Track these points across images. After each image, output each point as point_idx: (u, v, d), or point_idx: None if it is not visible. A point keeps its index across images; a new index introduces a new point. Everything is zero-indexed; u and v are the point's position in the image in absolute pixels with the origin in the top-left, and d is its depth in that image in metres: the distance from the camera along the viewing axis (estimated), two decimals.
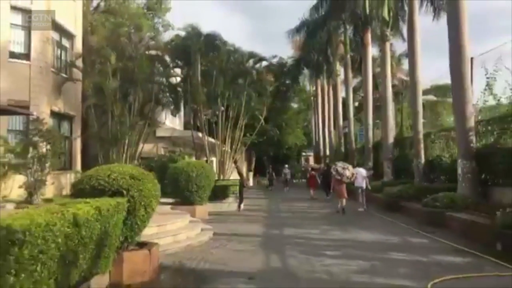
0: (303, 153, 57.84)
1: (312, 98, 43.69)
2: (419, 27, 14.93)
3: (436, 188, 12.24)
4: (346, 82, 26.28)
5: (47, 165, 13.12)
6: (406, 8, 16.89)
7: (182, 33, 22.21)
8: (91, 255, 4.58)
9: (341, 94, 28.95)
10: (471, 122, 11.05)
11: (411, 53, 15.48)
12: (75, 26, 17.88)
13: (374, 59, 23.67)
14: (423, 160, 14.54)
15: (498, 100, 11.04)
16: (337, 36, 25.29)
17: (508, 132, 10.32)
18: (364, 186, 14.51)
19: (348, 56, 25.08)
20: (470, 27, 11.18)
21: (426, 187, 13.01)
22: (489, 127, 11.23)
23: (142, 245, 6.23)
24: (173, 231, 8.52)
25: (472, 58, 12.51)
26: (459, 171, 11.12)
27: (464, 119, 11.01)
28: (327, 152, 34.61)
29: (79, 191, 5.63)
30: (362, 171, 14.85)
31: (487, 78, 11.30)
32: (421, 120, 14.93)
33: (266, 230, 10.65)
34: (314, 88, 40.61)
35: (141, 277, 5.74)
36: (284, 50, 78.05)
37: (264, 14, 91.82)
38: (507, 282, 5.67)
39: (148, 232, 6.95)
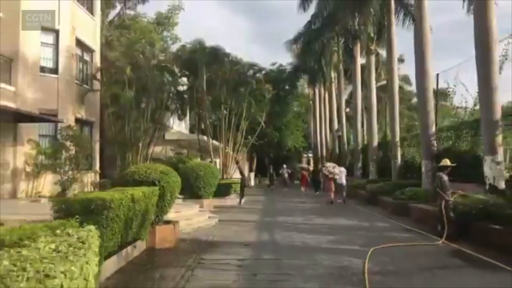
0: (304, 155, 60.00)
1: (310, 102, 45.92)
2: (396, 42, 17.16)
3: (407, 184, 14.45)
4: (339, 89, 28.53)
5: (77, 165, 15.48)
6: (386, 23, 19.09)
7: (188, 45, 24.71)
8: (138, 224, 6.87)
9: (336, 100, 31.16)
10: (432, 130, 13.30)
11: (389, 63, 17.73)
12: (94, 41, 20.20)
13: (364, 68, 25.88)
14: (399, 160, 16.76)
15: (455, 111, 13.26)
16: (330, 47, 27.50)
17: (460, 137, 12.54)
18: (344, 182, 16.90)
19: (341, 65, 27.33)
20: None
21: (400, 184, 15.22)
22: (448, 134, 13.46)
23: (167, 222, 8.52)
24: (187, 216, 10.79)
25: (438, 74, 14.74)
26: (423, 169, 13.36)
27: (426, 127, 13.28)
28: (324, 154, 36.81)
29: (125, 182, 7.89)
30: (344, 170, 17.24)
31: (448, 92, 13.53)
32: (397, 126, 17.18)
33: (261, 218, 12.94)
34: (312, 93, 42.83)
35: (168, 244, 8.01)
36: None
37: (268, 15, 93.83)
38: (428, 248, 7.95)
39: (169, 216, 9.21)
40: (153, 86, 20.66)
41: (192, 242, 8.56)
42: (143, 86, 20.35)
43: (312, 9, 24.76)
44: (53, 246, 3.41)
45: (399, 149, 16.79)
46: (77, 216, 4.51)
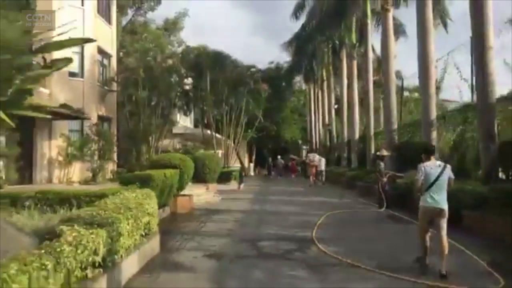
0: (304, 147, 63.26)
1: (306, 97, 49.05)
2: (370, 49, 20.23)
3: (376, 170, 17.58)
4: (328, 88, 31.60)
5: (104, 156, 18.65)
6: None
7: (193, 48, 27.86)
8: (167, 194, 10.04)
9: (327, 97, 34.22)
10: (394, 126, 16.41)
11: (365, 68, 20.80)
12: (111, 48, 23.24)
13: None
14: (373, 151, 19.88)
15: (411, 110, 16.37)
16: (321, 49, 30.46)
17: (415, 133, 15.65)
18: (324, 169, 20.22)
19: (331, 67, 30.38)
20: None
21: (372, 171, 18.34)
22: (407, 129, 16.58)
23: (184, 195, 11.71)
24: (197, 194, 13.95)
25: (402, 80, 17.81)
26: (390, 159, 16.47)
27: (389, 123, 16.40)
28: (318, 146, 39.99)
29: (155, 166, 11.04)
30: (323, 159, 20.52)
31: (407, 95, 16.61)
32: (372, 122, 20.29)
33: (255, 197, 16.18)
34: (308, 90, 45.89)
35: (185, 210, 11.20)
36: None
37: (271, 7, 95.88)
38: (371, 214, 11.14)
39: (185, 192, 12.37)
40: (163, 87, 23.76)
41: (202, 210, 11.76)
42: (154, 87, 23.45)
43: (307, 12, 27.80)
44: (133, 195, 6.58)
45: (373, 142, 19.92)
46: (137, 183, 7.71)
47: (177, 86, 26.47)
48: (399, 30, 24.00)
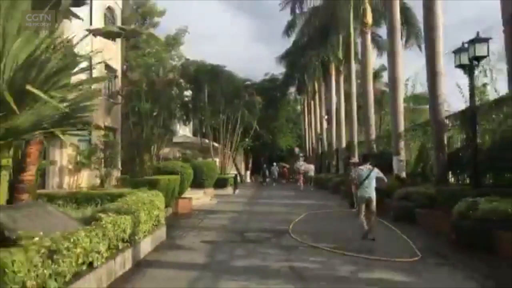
0: (301, 154, 65.24)
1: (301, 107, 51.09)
2: (353, 66, 22.18)
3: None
4: (320, 99, 33.54)
5: (111, 163, 20.45)
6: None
7: (192, 62, 29.85)
8: (170, 196, 11.84)
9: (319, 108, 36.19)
10: (372, 137, 18.29)
11: (349, 81, 22.72)
12: (116, 63, 25.15)
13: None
14: (356, 159, 21.73)
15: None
16: (312, 63, 32.39)
17: (390, 143, 17.49)
18: (313, 175, 22.08)
19: (321, 80, 32.34)
20: None
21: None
22: (384, 140, 18.44)
23: (184, 198, 13.51)
24: (196, 197, 15.73)
25: (375, 95, 19.70)
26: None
27: (368, 135, 18.28)
28: (311, 154, 41.88)
29: (160, 172, 12.85)
30: (312, 166, 22.41)
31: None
32: (355, 132, 22.17)
33: (248, 200, 18.01)
34: (302, 100, 47.91)
35: (185, 210, 12.99)
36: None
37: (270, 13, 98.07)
38: (344, 213, 12.96)
39: (185, 195, 14.17)
40: (164, 99, 25.66)
41: (200, 210, 13.56)
42: (156, 99, 25.34)
43: (299, 30, 29.79)
44: (145, 195, 8.40)
45: (356, 150, 21.77)
46: (147, 187, 9.53)
47: (177, 99, 28.37)
48: (383, 46, 25.96)
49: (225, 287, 5.25)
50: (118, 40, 26.27)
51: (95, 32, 7.26)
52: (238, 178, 32.16)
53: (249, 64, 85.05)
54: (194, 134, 36.74)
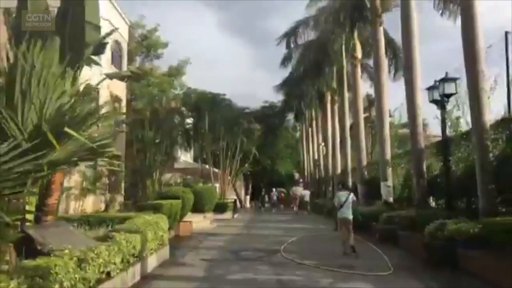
0: (301, 180, 66.15)
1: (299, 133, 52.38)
2: (346, 98, 23.47)
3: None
4: (316, 127, 34.79)
5: (115, 189, 21.44)
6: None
7: (193, 91, 31.30)
8: (173, 219, 12.78)
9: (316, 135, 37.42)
10: (364, 163, 19.33)
11: (341, 110, 23.94)
12: (122, 93, 26.53)
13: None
14: (350, 185, 22.72)
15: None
16: (309, 92, 33.81)
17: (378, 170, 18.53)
18: (308, 200, 23.03)
19: (318, 108, 33.68)
20: None
21: None
22: (374, 166, 19.47)
23: (185, 221, 14.44)
24: (196, 221, 16.62)
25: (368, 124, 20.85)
26: (359, 191, 19.27)
27: (359, 162, 19.32)
28: (309, 179, 42.82)
29: (163, 197, 13.83)
30: (307, 192, 23.40)
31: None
32: (349, 159, 23.23)
33: (246, 224, 18.90)
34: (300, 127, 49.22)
35: (186, 233, 13.89)
36: None
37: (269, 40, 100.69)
38: (333, 235, 13.85)
39: (186, 219, 15.08)
40: (167, 127, 26.89)
41: (200, 233, 14.47)
42: (159, 127, 26.56)
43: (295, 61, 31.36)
44: (150, 218, 9.40)
45: (350, 177, 22.78)
46: (152, 211, 10.53)
47: (179, 126, 29.62)
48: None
49: None
50: (124, 68, 27.80)
51: (111, 75, 8.43)
52: (238, 203, 33.11)
53: (251, 87, 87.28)
54: (195, 159, 37.80)
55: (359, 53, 20.03)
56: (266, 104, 42.74)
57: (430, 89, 10.79)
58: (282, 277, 7.24)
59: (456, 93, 10.21)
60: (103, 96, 23.77)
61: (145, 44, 31.09)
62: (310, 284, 6.82)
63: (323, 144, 32.31)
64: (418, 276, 7.45)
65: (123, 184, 26.15)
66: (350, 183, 22.83)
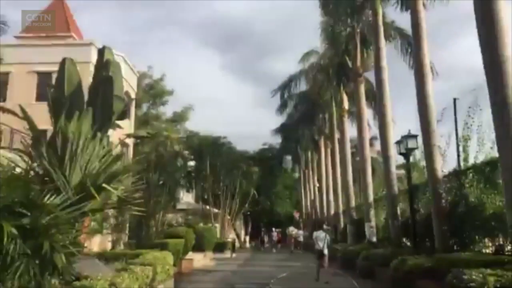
0: (301, 220, 67.15)
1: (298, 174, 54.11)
2: (336, 144, 25.44)
3: (343, 240, 21.80)
4: (312, 170, 36.64)
5: (121, 229, 22.97)
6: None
7: (196, 134, 33.46)
8: (176, 256, 14.35)
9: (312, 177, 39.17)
10: (352, 205, 21.00)
11: (333, 158, 25.86)
12: (129, 138, 28.58)
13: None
14: (342, 225, 24.23)
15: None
16: (305, 136, 35.80)
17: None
18: (302, 240, 24.51)
19: (314, 151, 35.67)
20: None
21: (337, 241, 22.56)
22: (361, 208, 21.10)
23: (187, 259, 15.96)
24: (196, 259, 18.11)
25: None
26: (348, 231, 20.81)
27: (348, 203, 21.00)
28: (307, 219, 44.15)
29: (167, 236, 15.43)
30: (301, 232, 24.94)
31: None
32: (340, 201, 24.87)
33: (244, 262, 20.35)
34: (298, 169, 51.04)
35: (188, 270, 15.39)
36: None
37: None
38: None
39: (187, 257, 16.59)
40: (170, 169, 28.75)
41: (201, 270, 16.00)
42: (162, 169, 28.40)
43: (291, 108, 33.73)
44: (159, 254, 11.09)
45: (341, 218, 24.34)
46: (158, 248, 12.19)
47: (182, 169, 31.50)
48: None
49: None
50: (132, 119, 30.05)
51: (131, 135, 10.39)
52: (238, 242, 34.41)
53: (254, 126, 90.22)
54: (196, 200, 39.40)
55: (346, 104, 22.23)
56: (265, 146, 44.99)
57: (397, 143, 12.69)
58: None
59: (417, 148, 12.11)
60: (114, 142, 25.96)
61: (152, 93, 33.55)
62: None
63: (318, 185, 33.98)
64: None
65: (127, 225, 27.68)
66: (341, 224, 24.42)
